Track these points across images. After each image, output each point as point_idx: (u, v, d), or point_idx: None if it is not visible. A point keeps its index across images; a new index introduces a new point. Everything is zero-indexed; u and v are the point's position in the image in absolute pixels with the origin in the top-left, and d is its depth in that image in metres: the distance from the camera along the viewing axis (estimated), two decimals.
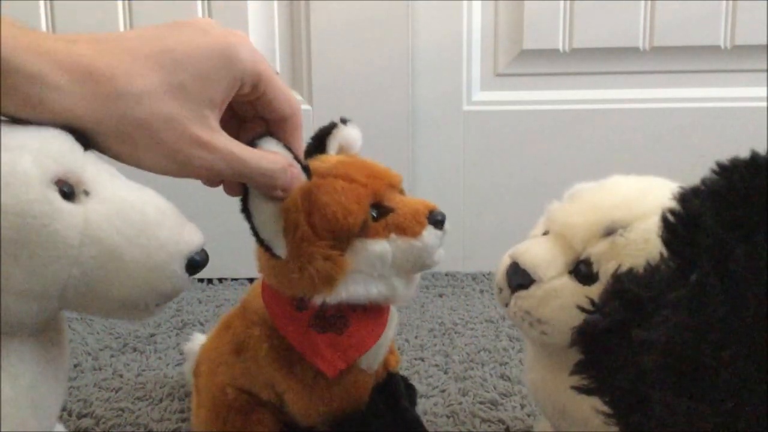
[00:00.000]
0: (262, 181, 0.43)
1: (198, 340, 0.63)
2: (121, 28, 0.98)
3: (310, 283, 0.45)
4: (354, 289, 0.46)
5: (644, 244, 0.39)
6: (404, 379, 0.63)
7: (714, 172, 0.29)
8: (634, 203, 0.41)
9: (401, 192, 0.50)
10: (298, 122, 0.46)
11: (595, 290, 0.39)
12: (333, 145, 0.50)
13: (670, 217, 0.30)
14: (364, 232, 0.46)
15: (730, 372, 0.26)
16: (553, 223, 0.45)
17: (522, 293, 0.44)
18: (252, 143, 0.43)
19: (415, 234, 0.46)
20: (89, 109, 0.37)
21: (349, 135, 0.50)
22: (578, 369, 0.32)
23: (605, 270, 0.40)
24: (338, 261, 0.45)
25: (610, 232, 0.41)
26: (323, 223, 0.45)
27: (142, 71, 0.38)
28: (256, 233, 0.45)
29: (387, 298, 0.48)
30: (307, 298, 0.46)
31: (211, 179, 0.43)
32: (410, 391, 0.63)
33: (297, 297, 0.47)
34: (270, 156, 0.43)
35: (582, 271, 0.42)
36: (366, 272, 0.46)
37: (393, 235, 0.46)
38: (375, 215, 0.46)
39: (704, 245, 0.28)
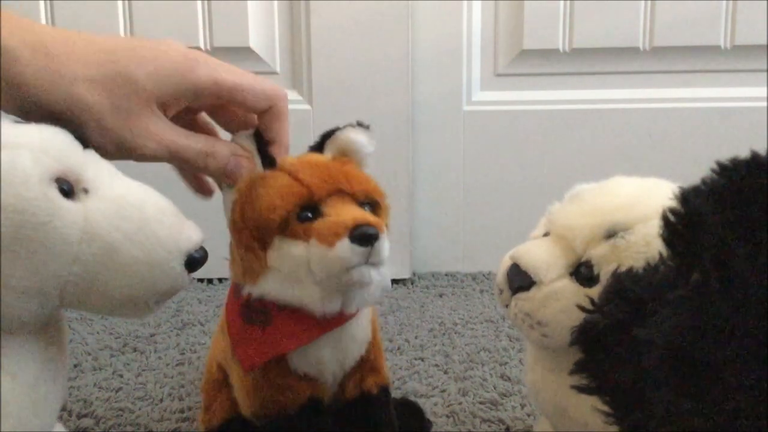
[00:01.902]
0: (194, 165, 0.46)
1: None
2: (121, 28, 0.98)
3: (239, 271, 0.46)
4: (271, 286, 0.45)
5: (645, 247, 0.39)
6: (417, 411, 0.60)
7: (714, 171, 0.29)
8: (636, 205, 0.41)
9: (373, 205, 0.48)
10: (279, 111, 0.48)
11: (595, 293, 0.38)
12: (330, 147, 0.49)
13: (671, 217, 0.30)
14: (288, 231, 0.44)
15: (731, 371, 0.26)
16: (554, 225, 0.45)
17: (522, 295, 0.44)
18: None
19: (330, 244, 0.43)
20: (47, 88, 0.40)
21: (351, 138, 0.49)
22: (578, 368, 0.32)
23: (606, 272, 0.40)
24: (257, 253, 0.45)
25: (611, 234, 0.41)
26: (249, 214, 0.45)
27: (99, 60, 0.41)
28: None
29: (303, 304, 0.45)
30: (240, 285, 0.47)
31: (150, 161, 0.47)
32: (415, 423, 0.59)
33: (236, 282, 0.48)
34: (209, 147, 0.46)
35: (583, 273, 0.42)
36: (284, 273, 0.45)
37: (313, 241, 0.44)
38: (308, 217, 0.45)
39: (705, 245, 0.28)
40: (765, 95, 0.97)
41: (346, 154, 0.49)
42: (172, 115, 0.46)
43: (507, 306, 0.45)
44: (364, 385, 0.52)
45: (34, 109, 0.40)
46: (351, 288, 0.45)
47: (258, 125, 0.48)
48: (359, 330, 0.50)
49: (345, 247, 0.43)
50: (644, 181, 0.44)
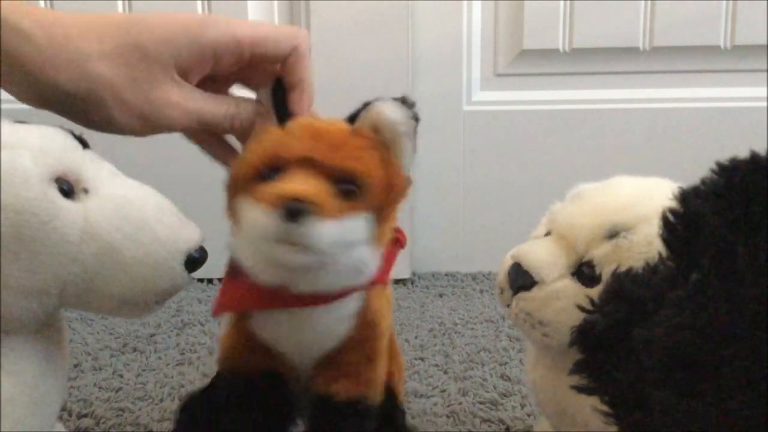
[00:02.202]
0: (222, 128, 0.46)
1: None
2: None
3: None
4: (234, 244, 0.43)
5: (647, 247, 0.39)
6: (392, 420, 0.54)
7: (713, 172, 0.29)
8: (638, 205, 0.41)
9: (347, 184, 0.42)
10: (302, 51, 0.47)
11: (597, 293, 0.38)
12: (362, 119, 0.46)
13: (671, 217, 0.30)
14: (248, 189, 0.41)
15: (731, 371, 0.26)
16: (556, 224, 0.45)
17: (524, 295, 0.43)
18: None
19: (260, 210, 0.40)
20: (61, 68, 0.39)
21: (381, 113, 0.45)
22: (578, 368, 0.32)
23: (608, 272, 0.40)
24: (232, 209, 0.43)
25: (613, 234, 0.41)
26: (233, 165, 0.44)
27: (111, 35, 0.41)
28: None
29: (247, 269, 0.42)
30: None
31: (179, 131, 0.46)
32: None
33: None
34: (226, 105, 0.46)
35: (584, 273, 0.42)
36: (244, 233, 0.42)
37: (263, 204, 0.40)
38: (271, 178, 0.41)
39: (705, 245, 0.28)
40: (765, 95, 0.97)
41: (378, 130, 0.45)
42: (198, 84, 0.45)
43: (508, 306, 0.45)
44: (333, 387, 0.47)
45: (52, 92, 0.40)
46: (281, 265, 0.41)
47: (280, 73, 0.47)
48: (329, 322, 0.46)
49: (264, 215, 0.39)
50: (645, 181, 0.44)
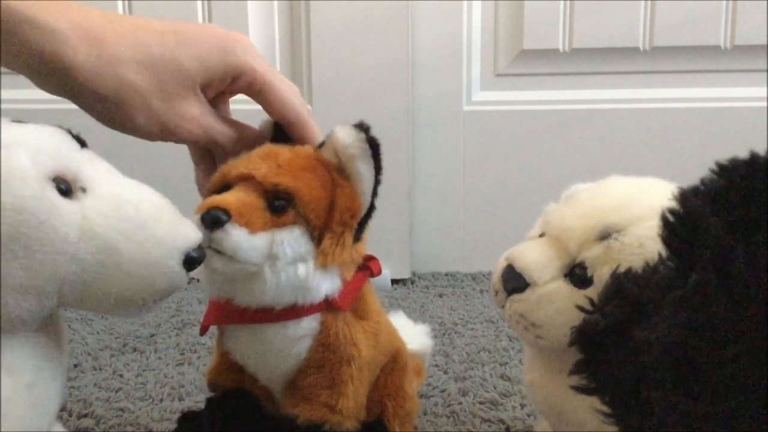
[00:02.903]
0: (226, 149, 0.48)
1: None
2: None
3: None
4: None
5: (639, 248, 0.39)
6: None
7: (713, 172, 0.29)
8: (629, 206, 0.41)
9: (280, 198, 0.44)
10: (304, 127, 0.48)
11: (589, 294, 0.38)
12: (326, 144, 0.48)
13: (670, 217, 0.30)
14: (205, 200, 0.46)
15: (731, 372, 0.26)
16: (549, 226, 0.45)
17: (517, 297, 0.44)
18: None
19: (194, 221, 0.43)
20: (95, 71, 0.40)
21: (335, 137, 0.46)
22: (578, 369, 0.32)
23: (600, 274, 0.40)
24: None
25: (604, 236, 0.41)
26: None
27: (146, 42, 0.42)
28: None
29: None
30: None
31: (190, 143, 0.48)
32: None
33: None
34: (234, 130, 0.48)
35: (577, 274, 0.42)
36: None
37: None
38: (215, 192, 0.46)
39: (704, 245, 0.28)
40: (765, 95, 0.97)
41: (336, 154, 0.46)
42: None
43: (503, 307, 0.45)
44: (295, 409, 0.48)
45: (81, 91, 0.41)
46: (208, 273, 0.44)
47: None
48: (284, 341, 0.47)
49: (197, 225, 0.42)
50: (639, 181, 0.44)
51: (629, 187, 0.44)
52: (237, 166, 0.45)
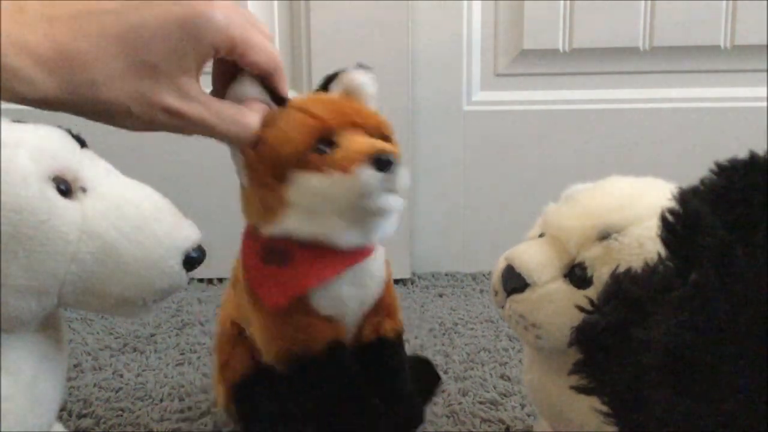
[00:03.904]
0: (230, 142, 0.46)
1: None
2: None
3: (257, 212, 0.46)
4: (291, 223, 0.45)
5: (639, 249, 0.39)
6: (428, 365, 0.63)
7: (713, 172, 0.29)
8: (629, 207, 0.41)
9: (384, 139, 0.48)
10: (281, 76, 0.47)
11: (589, 294, 0.38)
12: (335, 87, 0.50)
13: (670, 217, 0.30)
14: (304, 164, 0.45)
15: (730, 371, 0.26)
16: (548, 226, 0.45)
17: (517, 297, 0.44)
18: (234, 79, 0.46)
19: (348, 171, 0.44)
20: (64, 96, 0.38)
21: (355, 78, 0.49)
22: (577, 369, 0.32)
23: (599, 274, 0.40)
24: (275, 189, 0.45)
25: (604, 236, 0.41)
26: (265, 150, 0.45)
27: (112, 53, 0.39)
28: None
29: (326, 238, 0.46)
30: (258, 227, 0.47)
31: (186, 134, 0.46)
32: (426, 377, 0.61)
33: (253, 225, 0.48)
34: (240, 115, 0.45)
35: (576, 274, 0.42)
36: (304, 207, 0.45)
37: (331, 171, 0.44)
38: (324, 149, 0.45)
39: (704, 245, 0.28)
40: (765, 95, 0.97)
41: (351, 94, 0.50)
42: None
43: (502, 307, 0.45)
44: (382, 329, 0.53)
45: (64, 111, 0.40)
46: (372, 217, 0.46)
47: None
48: (377, 267, 0.51)
49: (366, 173, 0.44)
50: (638, 182, 0.44)
51: (629, 187, 0.44)
52: (333, 117, 0.46)
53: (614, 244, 0.40)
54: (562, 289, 0.42)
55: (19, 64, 0.37)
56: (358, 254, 0.48)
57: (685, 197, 0.30)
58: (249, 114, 0.45)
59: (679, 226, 0.29)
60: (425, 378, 0.60)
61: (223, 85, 0.47)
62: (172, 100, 0.41)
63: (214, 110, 0.43)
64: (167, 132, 0.43)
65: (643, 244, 0.39)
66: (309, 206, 0.45)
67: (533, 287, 0.43)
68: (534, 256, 0.44)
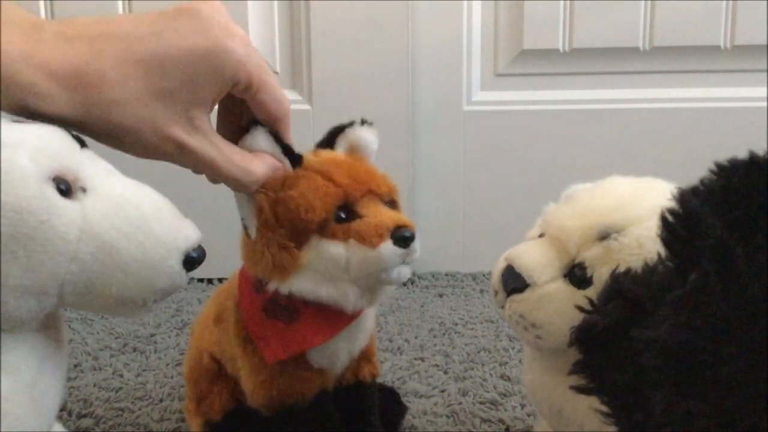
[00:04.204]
0: (234, 188, 0.45)
1: None
2: None
3: (266, 268, 0.46)
4: (304, 284, 0.46)
5: (638, 249, 0.39)
6: (393, 395, 0.63)
7: (712, 172, 0.29)
8: (629, 207, 0.41)
9: (392, 204, 0.49)
10: (288, 124, 0.47)
11: (589, 294, 0.39)
12: (341, 143, 0.50)
13: (669, 217, 0.30)
14: (325, 231, 0.46)
15: (730, 371, 0.26)
16: (549, 226, 0.45)
17: (517, 297, 0.44)
18: (247, 128, 0.45)
19: (372, 245, 0.45)
20: (77, 114, 0.38)
21: (362, 137, 0.50)
22: (577, 369, 0.32)
23: (599, 274, 0.40)
24: (292, 252, 0.45)
25: (604, 236, 0.41)
26: (285, 213, 0.45)
27: (131, 77, 0.39)
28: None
29: (336, 302, 0.47)
30: (264, 282, 0.47)
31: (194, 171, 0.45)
32: (392, 407, 0.61)
33: (257, 278, 0.48)
34: (248, 163, 0.44)
35: (576, 275, 0.42)
36: (319, 271, 0.46)
37: (352, 241, 0.46)
38: (343, 217, 0.46)
39: (704, 245, 0.28)
40: (765, 95, 0.97)
41: (355, 151, 0.50)
42: None
43: (502, 307, 0.45)
44: (361, 374, 0.55)
45: (74, 128, 0.39)
46: (384, 286, 0.48)
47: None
48: (369, 320, 0.53)
49: (388, 248, 0.45)
50: (638, 182, 0.44)
51: (629, 188, 0.44)
52: (353, 182, 0.47)
53: (614, 244, 0.40)
54: (562, 289, 0.42)
55: (35, 79, 0.37)
56: (358, 312, 0.49)
57: (684, 197, 0.30)
58: (257, 164, 0.45)
59: (679, 226, 0.29)
60: (391, 408, 0.61)
61: (226, 128, 0.47)
62: (183, 133, 0.41)
63: (223, 152, 0.43)
64: (174, 164, 0.43)
65: (643, 244, 0.39)
66: (324, 272, 0.46)
67: (533, 287, 0.43)
68: (534, 257, 0.44)
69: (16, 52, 0.36)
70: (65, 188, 0.36)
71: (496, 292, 0.46)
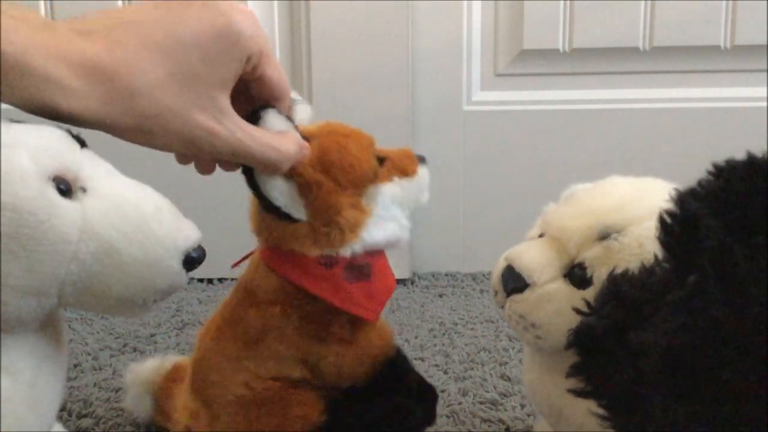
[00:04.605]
0: (266, 168, 0.44)
1: (142, 368, 0.60)
2: None
3: (339, 235, 0.47)
4: (376, 233, 0.48)
5: (638, 249, 0.39)
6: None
7: (710, 173, 0.29)
8: (629, 207, 0.41)
9: None
10: (288, 105, 0.47)
11: (589, 294, 0.38)
12: (296, 120, 0.50)
13: (668, 219, 0.30)
14: (375, 177, 0.48)
15: (730, 373, 0.26)
16: (548, 226, 0.45)
17: (517, 297, 0.44)
18: (255, 114, 0.44)
19: (414, 172, 0.50)
20: (102, 108, 0.37)
21: (306, 111, 0.51)
22: (574, 371, 0.32)
23: (599, 274, 0.40)
24: (363, 207, 0.47)
25: (604, 236, 0.41)
26: (343, 175, 0.47)
27: (152, 63, 0.38)
28: (268, 203, 0.46)
29: (399, 238, 0.50)
30: (334, 252, 0.47)
31: (218, 161, 0.45)
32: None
33: (323, 255, 0.48)
34: (278, 144, 0.43)
35: (576, 275, 0.42)
36: (382, 215, 0.49)
37: (396, 177, 0.49)
38: (380, 162, 0.49)
39: (703, 246, 0.28)
40: (765, 95, 0.97)
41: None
42: None
43: (502, 307, 0.45)
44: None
45: (93, 125, 0.38)
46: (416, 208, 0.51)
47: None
48: None
49: (424, 171, 0.51)
50: (638, 182, 0.44)
51: (629, 188, 0.44)
52: (361, 134, 0.49)
53: (614, 244, 0.40)
54: (561, 289, 0.42)
55: (57, 73, 0.35)
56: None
57: (683, 199, 0.30)
58: (284, 142, 0.44)
59: (677, 228, 0.29)
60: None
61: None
62: (209, 117, 0.40)
63: (250, 133, 0.42)
64: (202, 154, 0.42)
65: (643, 244, 0.39)
66: (385, 213, 0.49)
67: (533, 287, 0.43)
68: (534, 257, 0.44)
69: (36, 45, 0.35)
70: (65, 188, 0.36)
71: (496, 292, 0.46)
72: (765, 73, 0.98)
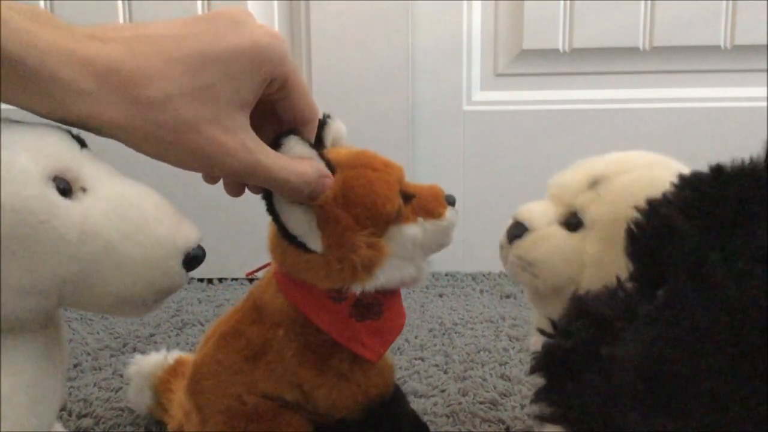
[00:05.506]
0: (286, 194, 0.43)
1: (145, 361, 0.61)
2: None
3: (351, 272, 0.46)
4: (390, 273, 0.47)
5: (625, 192, 0.42)
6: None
7: (675, 186, 0.29)
8: (619, 161, 0.46)
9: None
10: (314, 129, 0.46)
11: (580, 237, 0.44)
12: (329, 138, 0.50)
13: (635, 229, 0.29)
14: (399, 217, 0.47)
15: (709, 384, 0.25)
16: (550, 187, 0.49)
17: (517, 243, 0.47)
18: (276, 141, 0.43)
19: (441, 215, 0.50)
20: (117, 114, 0.37)
21: (340, 128, 0.50)
22: (540, 396, 0.30)
23: (591, 218, 0.44)
24: (381, 247, 0.46)
25: (593, 183, 0.45)
26: (364, 213, 0.46)
27: (171, 74, 0.37)
28: (285, 231, 0.45)
29: (414, 280, 0.49)
30: (344, 288, 0.47)
31: (236, 182, 0.44)
32: None
33: (333, 289, 0.47)
34: (299, 168, 0.42)
35: (571, 222, 0.46)
36: (400, 256, 0.48)
37: (420, 219, 0.49)
38: (404, 201, 0.48)
39: (676, 253, 0.27)
40: (765, 95, 0.97)
41: (336, 143, 0.51)
42: None
43: (506, 260, 0.49)
44: None
45: (104, 133, 0.38)
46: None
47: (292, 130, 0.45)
48: None
49: (452, 213, 0.51)
50: (634, 152, 0.48)
51: (623, 154, 0.48)
52: (392, 167, 0.48)
53: (602, 188, 0.44)
54: (557, 231, 0.46)
55: (76, 76, 0.35)
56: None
57: (653, 208, 0.29)
58: (306, 168, 0.43)
59: (648, 236, 0.29)
60: None
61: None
62: (227, 135, 0.39)
63: (271, 156, 0.41)
64: (216, 172, 0.41)
65: (630, 188, 0.42)
66: (404, 255, 0.48)
67: (531, 231, 0.47)
68: (534, 208, 0.48)
69: (56, 49, 0.34)
70: (65, 188, 0.36)
71: (501, 247, 0.50)
72: (765, 73, 0.98)
